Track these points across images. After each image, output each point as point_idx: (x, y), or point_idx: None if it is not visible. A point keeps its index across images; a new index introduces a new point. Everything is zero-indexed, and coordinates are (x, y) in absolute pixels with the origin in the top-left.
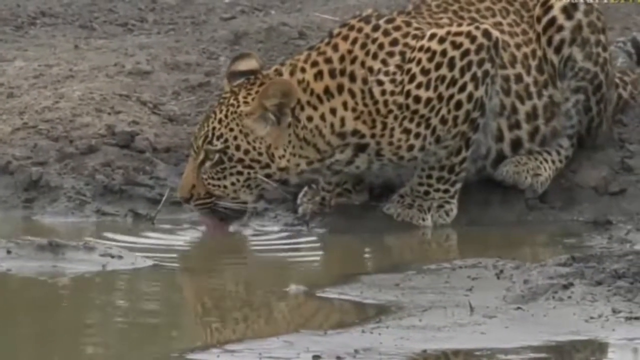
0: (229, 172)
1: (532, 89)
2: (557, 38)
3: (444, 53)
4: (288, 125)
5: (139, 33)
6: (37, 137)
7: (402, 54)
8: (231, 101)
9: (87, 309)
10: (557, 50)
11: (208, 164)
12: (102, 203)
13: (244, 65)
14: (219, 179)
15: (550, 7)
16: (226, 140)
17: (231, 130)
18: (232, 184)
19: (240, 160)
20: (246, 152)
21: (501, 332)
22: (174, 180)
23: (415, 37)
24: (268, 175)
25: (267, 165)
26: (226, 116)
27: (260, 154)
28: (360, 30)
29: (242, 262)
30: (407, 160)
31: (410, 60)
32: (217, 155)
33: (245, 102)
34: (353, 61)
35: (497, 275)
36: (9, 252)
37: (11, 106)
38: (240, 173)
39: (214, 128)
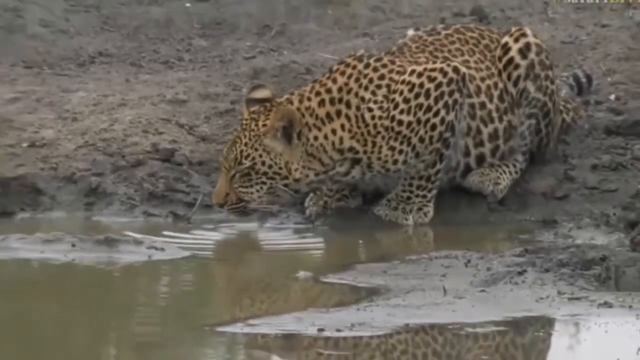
0: (255, 182)
1: (494, 114)
2: (514, 74)
3: (421, 85)
4: (302, 144)
5: (178, 69)
6: (96, 153)
7: (388, 86)
8: (252, 126)
9: (136, 291)
10: (515, 83)
11: (238, 176)
12: (148, 206)
13: (259, 94)
14: (246, 187)
15: (509, 49)
16: (253, 159)
17: (256, 150)
18: (257, 191)
19: (265, 173)
20: (270, 166)
21: (469, 309)
22: (206, 188)
23: (398, 72)
24: (286, 185)
25: (286, 177)
26: (250, 139)
27: (280, 167)
28: (354, 67)
29: (261, 253)
30: (392, 171)
31: (395, 91)
32: (246, 170)
33: (264, 125)
34: (349, 92)
35: (465, 264)
36: (73, 245)
37: (75, 128)
38: (264, 183)
39: (241, 151)
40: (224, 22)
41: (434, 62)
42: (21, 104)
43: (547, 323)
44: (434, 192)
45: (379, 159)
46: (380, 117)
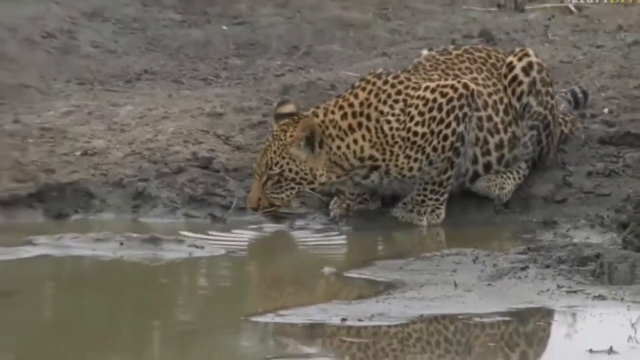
0: (285, 188)
1: (500, 126)
2: (518, 90)
3: (434, 100)
4: (325, 152)
5: (215, 86)
6: (142, 161)
7: (405, 100)
8: (281, 137)
9: (178, 285)
10: (519, 98)
11: (269, 182)
12: (188, 209)
13: (286, 108)
14: (277, 193)
15: (513, 67)
16: (282, 166)
17: (283, 158)
18: (287, 196)
19: (293, 179)
20: (297, 172)
21: (477, 302)
22: (241, 192)
23: (414, 88)
24: (313, 189)
25: (312, 182)
26: (279, 148)
27: (306, 173)
28: (374, 83)
29: (290, 252)
30: (408, 177)
31: (410, 105)
32: (276, 177)
33: (291, 136)
34: (369, 106)
35: (473, 260)
36: (121, 244)
37: (123, 138)
38: (292, 188)
39: (271, 158)
40: (257, 43)
41: (446, 79)
42: (75, 116)
43: (547, 313)
44: (446, 196)
45: (396, 166)
46: (397, 129)
